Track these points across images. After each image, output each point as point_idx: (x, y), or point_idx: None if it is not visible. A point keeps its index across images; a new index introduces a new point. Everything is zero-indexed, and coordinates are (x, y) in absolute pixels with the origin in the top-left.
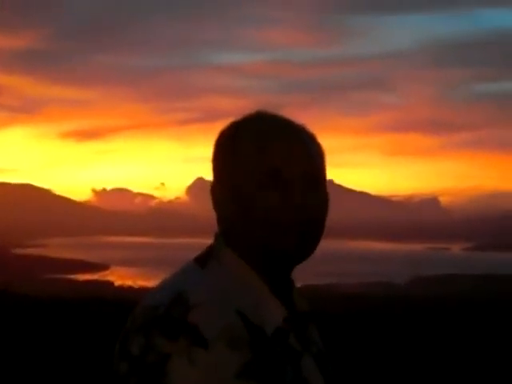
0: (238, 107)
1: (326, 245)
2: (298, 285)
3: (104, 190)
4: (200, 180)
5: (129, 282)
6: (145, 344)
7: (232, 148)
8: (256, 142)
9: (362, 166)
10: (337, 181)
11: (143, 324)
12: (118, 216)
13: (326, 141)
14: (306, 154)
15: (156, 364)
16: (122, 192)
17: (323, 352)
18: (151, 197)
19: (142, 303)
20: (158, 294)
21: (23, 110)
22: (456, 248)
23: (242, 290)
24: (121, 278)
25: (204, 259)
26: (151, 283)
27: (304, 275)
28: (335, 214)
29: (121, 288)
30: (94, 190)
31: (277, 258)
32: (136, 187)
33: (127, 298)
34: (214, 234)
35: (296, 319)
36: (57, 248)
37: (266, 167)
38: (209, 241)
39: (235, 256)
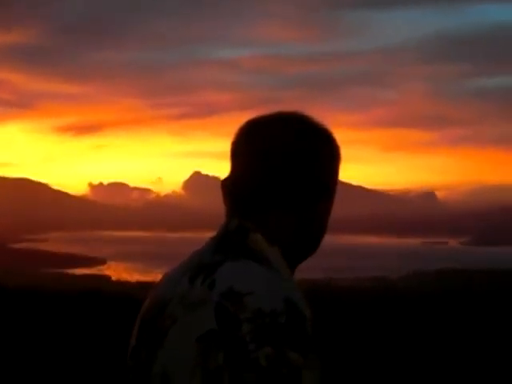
0: (235, 102)
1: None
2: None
3: (101, 184)
4: (197, 174)
5: (126, 277)
6: (275, 356)
7: (325, 151)
8: (334, 148)
9: (358, 160)
10: None
11: (266, 333)
12: (115, 210)
13: None
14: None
15: (291, 377)
16: (118, 186)
17: None
18: (148, 191)
19: (242, 305)
20: (263, 298)
21: (19, 105)
22: (453, 242)
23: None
24: (118, 272)
25: (258, 257)
26: (148, 277)
27: (299, 270)
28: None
29: (118, 282)
30: (90, 185)
31: (305, 258)
32: (133, 181)
33: (124, 293)
34: (238, 229)
35: None
36: (54, 242)
37: (337, 178)
38: (206, 234)
39: (281, 256)
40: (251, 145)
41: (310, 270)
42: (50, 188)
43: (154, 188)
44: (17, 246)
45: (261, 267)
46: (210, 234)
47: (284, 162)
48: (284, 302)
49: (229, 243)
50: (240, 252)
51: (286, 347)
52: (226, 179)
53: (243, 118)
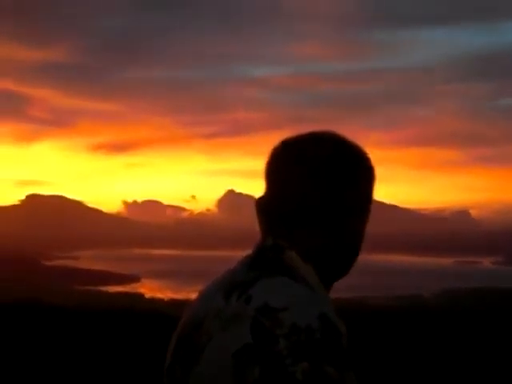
0: (268, 121)
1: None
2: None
3: (135, 202)
4: (230, 192)
5: (159, 295)
6: (311, 370)
7: (359, 172)
8: (370, 170)
9: (392, 179)
10: None
11: (303, 349)
12: (149, 228)
13: None
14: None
15: None
16: (152, 204)
17: None
18: (182, 209)
19: (277, 320)
20: (298, 314)
21: (54, 123)
22: (486, 261)
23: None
24: (151, 290)
25: (294, 275)
26: (181, 296)
27: (333, 289)
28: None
29: (151, 300)
30: (125, 202)
31: (339, 277)
32: (167, 199)
33: (157, 310)
34: (274, 247)
35: None
36: (88, 260)
37: (371, 197)
38: (240, 252)
39: (315, 273)
40: (285, 165)
41: (342, 288)
42: (85, 205)
43: (188, 206)
44: (51, 263)
45: (296, 284)
46: (243, 253)
47: (318, 182)
48: (318, 318)
49: (264, 261)
50: (276, 269)
51: (323, 362)
52: (260, 198)
53: (276, 136)
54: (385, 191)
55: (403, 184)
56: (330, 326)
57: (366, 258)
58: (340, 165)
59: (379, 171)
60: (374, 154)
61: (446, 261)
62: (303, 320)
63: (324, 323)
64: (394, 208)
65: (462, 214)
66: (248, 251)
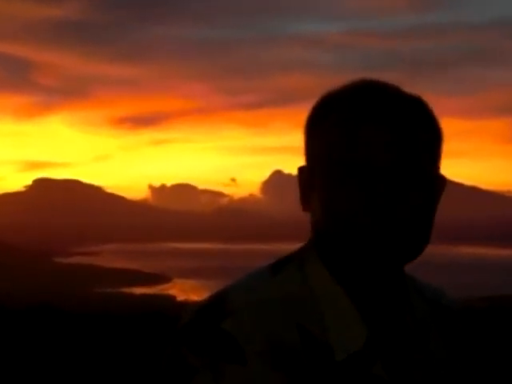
0: (318, 87)
1: (429, 250)
2: None
3: (163, 186)
4: (277, 174)
5: (194, 297)
6: (171, 355)
7: (317, 131)
8: (342, 126)
9: (471, 155)
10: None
11: (174, 333)
12: (181, 218)
13: None
14: (396, 141)
15: (180, 379)
16: (184, 189)
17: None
18: (220, 194)
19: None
20: (203, 300)
21: (66, 93)
22: None
23: (314, 302)
24: (184, 291)
25: (280, 265)
26: None
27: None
28: (439, 213)
29: (184, 303)
30: (151, 187)
31: (356, 264)
32: (201, 183)
33: None
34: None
35: (392, 340)
36: (109, 256)
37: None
38: (289, 246)
39: (318, 262)
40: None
41: None
42: (104, 191)
43: (227, 191)
44: (66, 260)
45: (254, 273)
46: (294, 246)
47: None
48: (212, 300)
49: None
50: (277, 261)
51: (181, 344)
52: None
53: None
54: (464, 170)
55: (486, 161)
56: (215, 307)
57: (442, 250)
58: (308, 118)
59: (455, 145)
60: (448, 125)
61: None
62: (198, 303)
63: (210, 305)
64: (474, 190)
65: None
66: (300, 243)
